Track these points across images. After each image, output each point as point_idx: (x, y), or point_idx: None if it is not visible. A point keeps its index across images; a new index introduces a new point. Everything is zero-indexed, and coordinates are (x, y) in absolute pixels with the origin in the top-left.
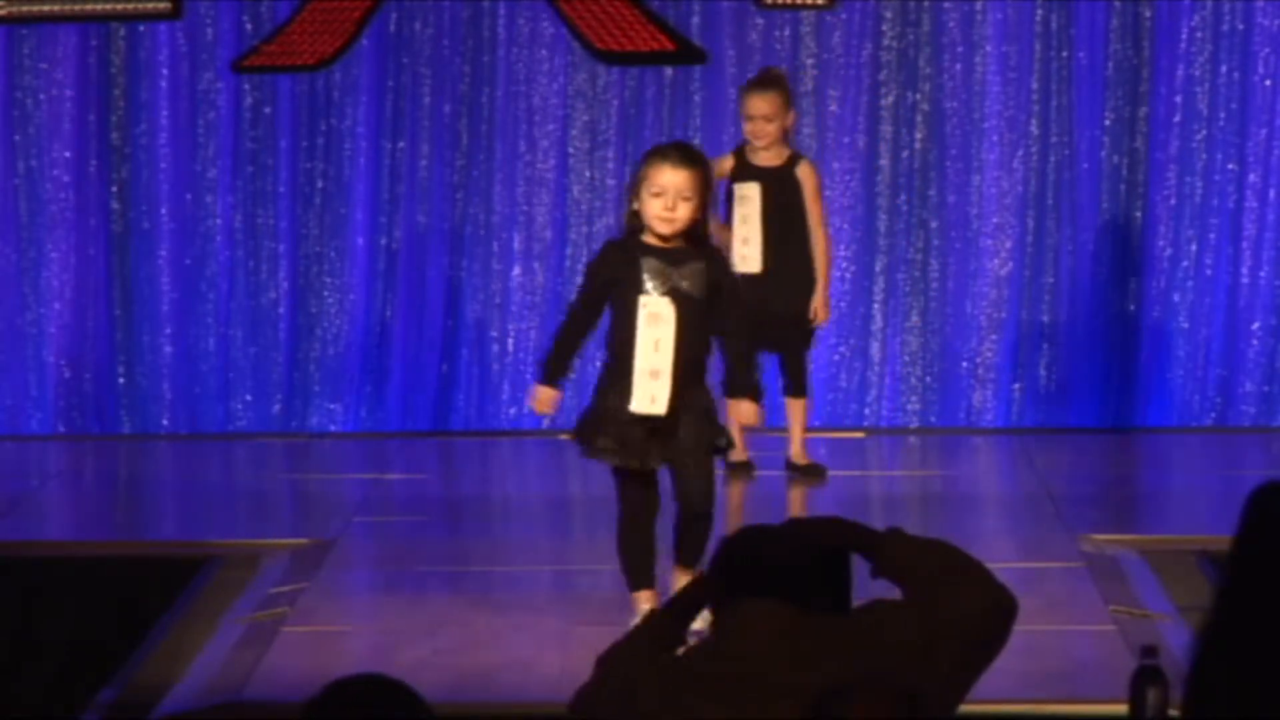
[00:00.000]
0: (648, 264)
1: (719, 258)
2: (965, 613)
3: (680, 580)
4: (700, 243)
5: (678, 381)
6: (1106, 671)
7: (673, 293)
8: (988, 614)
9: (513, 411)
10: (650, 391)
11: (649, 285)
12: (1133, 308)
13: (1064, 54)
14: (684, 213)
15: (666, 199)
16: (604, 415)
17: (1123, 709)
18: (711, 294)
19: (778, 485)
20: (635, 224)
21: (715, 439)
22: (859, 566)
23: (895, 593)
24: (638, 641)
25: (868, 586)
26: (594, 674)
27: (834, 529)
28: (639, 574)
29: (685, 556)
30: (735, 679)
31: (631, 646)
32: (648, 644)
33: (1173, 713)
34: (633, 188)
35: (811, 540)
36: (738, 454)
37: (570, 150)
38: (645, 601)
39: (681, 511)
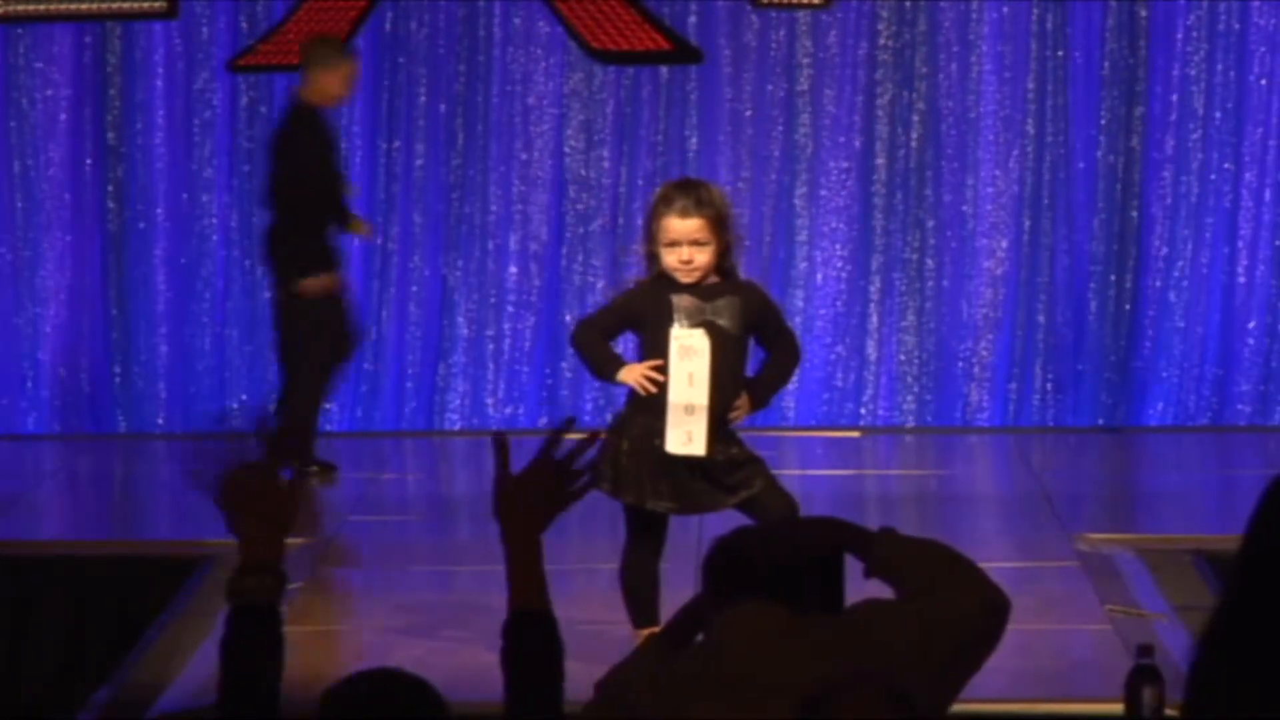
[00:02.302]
0: (679, 300)
1: (754, 291)
2: (958, 612)
3: None
4: (732, 275)
5: (714, 420)
6: (1102, 671)
7: (706, 326)
8: (981, 614)
9: (507, 411)
10: (686, 428)
11: (680, 319)
12: (1128, 307)
13: (1060, 53)
14: (702, 259)
15: (681, 250)
16: (606, 447)
17: (1118, 708)
18: (749, 331)
19: None
20: (659, 267)
21: (728, 490)
22: (852, 566)
23: (888, 592)
24: (639, 664)
25: (861, 586)
26: (594, 697)
27: (827, 529)
28: (644, 611)
29: None
30: (728, 679)
31: (633, 669)
32: (649, 667)
33: (1169, 712)
34: (649, 233)
35: (805, 540)
36: None
37: (566, 150)
38: None
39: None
